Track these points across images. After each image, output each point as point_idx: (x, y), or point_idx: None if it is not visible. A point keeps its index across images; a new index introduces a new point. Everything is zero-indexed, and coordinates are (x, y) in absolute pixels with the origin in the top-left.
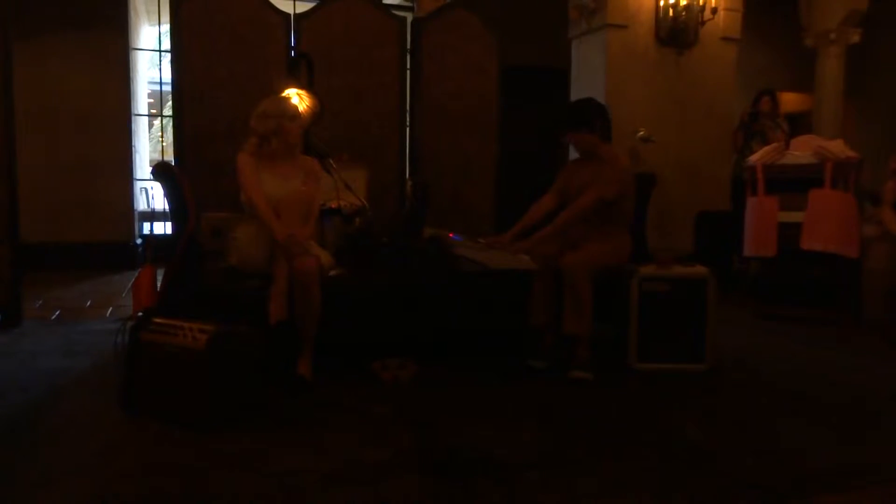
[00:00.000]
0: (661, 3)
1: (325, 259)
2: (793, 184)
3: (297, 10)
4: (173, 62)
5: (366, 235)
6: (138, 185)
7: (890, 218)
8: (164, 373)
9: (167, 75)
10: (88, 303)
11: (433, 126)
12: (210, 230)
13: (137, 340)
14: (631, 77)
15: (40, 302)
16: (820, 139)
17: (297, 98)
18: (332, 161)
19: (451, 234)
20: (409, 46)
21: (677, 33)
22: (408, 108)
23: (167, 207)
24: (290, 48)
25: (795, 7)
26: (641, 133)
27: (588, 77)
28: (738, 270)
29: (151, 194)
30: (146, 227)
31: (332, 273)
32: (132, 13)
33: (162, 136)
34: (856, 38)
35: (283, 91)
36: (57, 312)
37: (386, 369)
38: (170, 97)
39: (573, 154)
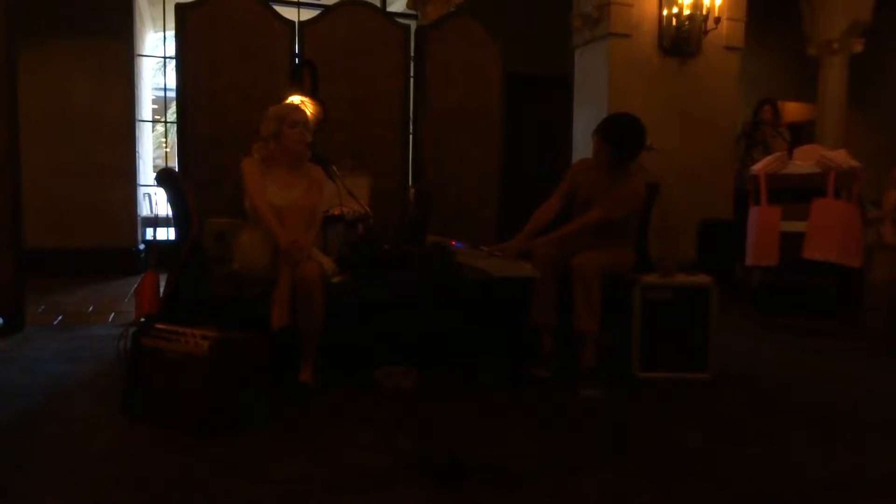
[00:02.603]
0: (664, 13)
1: (328, 265)
2: (796, 193)
3: (302, 18)
4: (178, 69)
5: (368, 242)
6: (142, 190)
7: (889, 229)
8: (166, 378)
9: (172, 81)
10: (91, 308)
11: (436, 133)
12: (213, 236)
13: (139, 346)
14: (634, 86)
15: (43, 307)
16: (823, 149)
17: (301, 105)
18: (335, 168)
19: (453, 242)
20: (412, 54)
21: (680, 42)
22: (411, 115)
23: (170, 213)
24: (294, 56)
25: (798, 16)
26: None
27: (591, 86)
28: (741, 279)
29: (155, 200)
30: (149, 232)
31: (335, 280)
32: (137, 20)
33: (165, 142)
34: (859, 48)
35: (287, 98)
36: (59, 318)
37: (388, 377)
38: (174, 103)
39: (577, 154)
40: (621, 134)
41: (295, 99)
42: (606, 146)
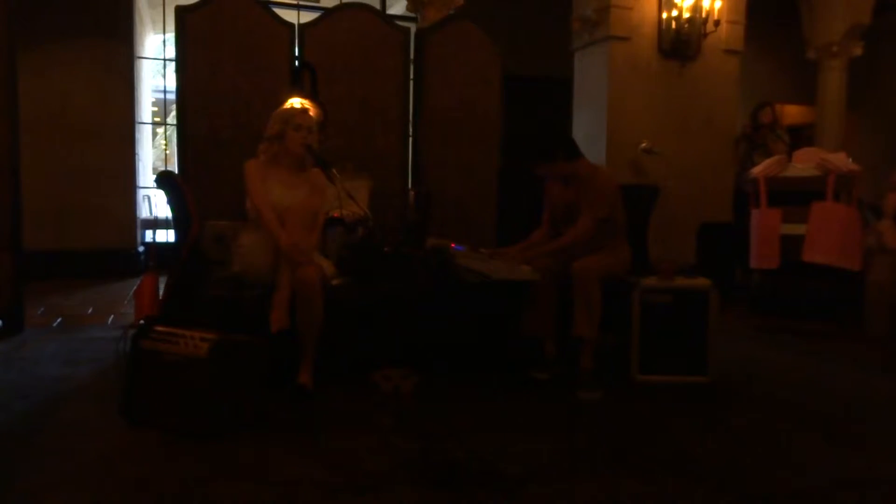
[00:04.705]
0: (664, 16)
1: (328, 268)
2: (795, 196)
3: (302, 21)
4: (177, 71)
5: (368, 245)
6: (141, 192)
7: (889, 231)
8: (166, 381)
9: (172, 84)
10: (90, 310)
11: (436, 136)
12: (213, 238)
13: (139, 348)
14: (633, 89)
15: (42, 309)
16: (822, 151)
17: (300, 107)
18: (335, 170)
19: (453, 245)
20: (412, 56)
21: (680, 45)
22: (411, 118)
23: (170, 215)
24: (293, 58)
25: (798, 20)
26: (644, 145)
27: (590, 89)
28: (741, 282)
29: (154, 202)
30: (149, 234)
31: (334, 282)
32: (137, 22)
33: (165, 145)
34: (858, 51)
35: (287, 101)
36: (58, 320)
37: (387, 380)
38: (174, 106)
39: None
40: (542, 146)
41: (295, 101)
42: (546, 163)
